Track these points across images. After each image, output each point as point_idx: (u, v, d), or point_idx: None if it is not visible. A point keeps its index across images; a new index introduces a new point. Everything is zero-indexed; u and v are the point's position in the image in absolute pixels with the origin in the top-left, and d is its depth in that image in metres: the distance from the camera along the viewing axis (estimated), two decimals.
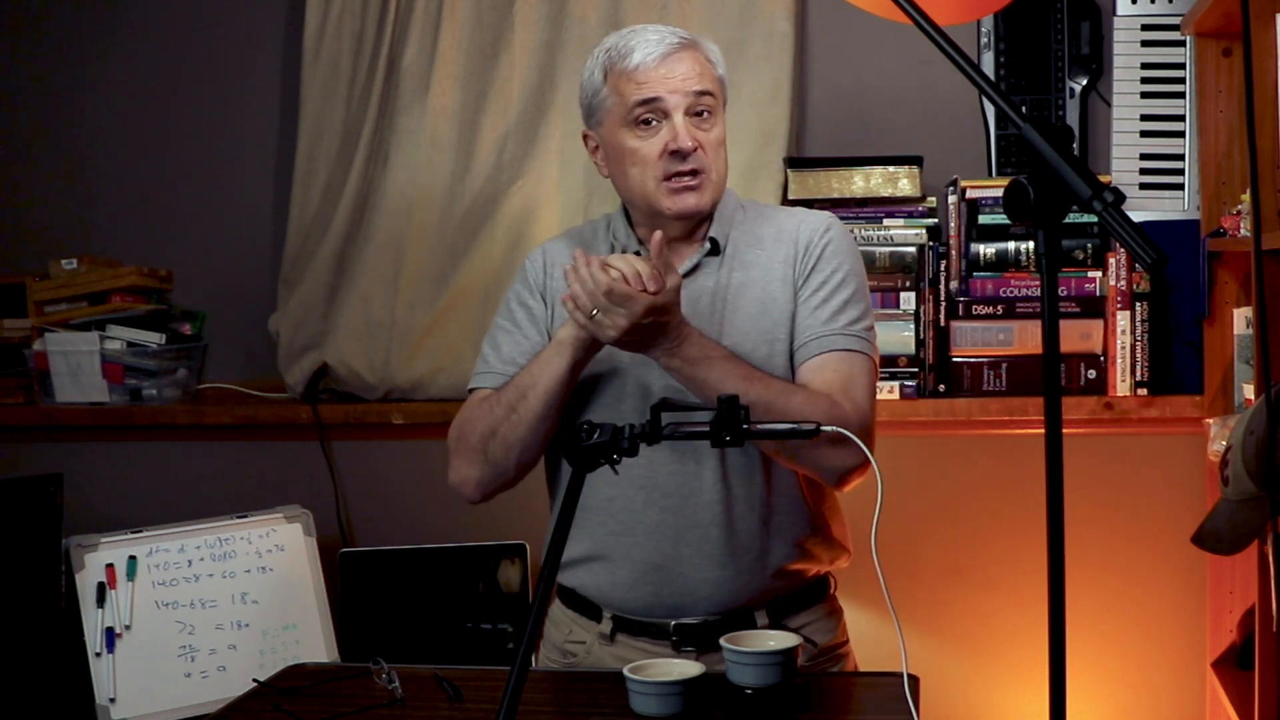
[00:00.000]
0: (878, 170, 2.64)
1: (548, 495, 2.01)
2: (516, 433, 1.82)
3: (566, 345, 1.78)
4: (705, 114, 1.84)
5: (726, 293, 1.86)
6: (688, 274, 1.87)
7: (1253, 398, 2.21)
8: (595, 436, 1.49)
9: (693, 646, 1.84)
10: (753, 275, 1.87)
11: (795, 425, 1.56)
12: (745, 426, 1.50)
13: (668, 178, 1.83)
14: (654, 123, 1.83)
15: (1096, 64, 2.72)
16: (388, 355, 2.83)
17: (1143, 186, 2.67)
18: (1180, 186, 2.66)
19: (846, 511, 1.99)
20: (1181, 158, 2.66)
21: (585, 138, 1.94)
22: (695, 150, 1.82)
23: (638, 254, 1.89)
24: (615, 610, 1.90)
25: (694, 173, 1.83)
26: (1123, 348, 2.55)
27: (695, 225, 1.90)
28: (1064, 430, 1.20)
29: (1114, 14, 2.68)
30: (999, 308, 2.59)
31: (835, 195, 2.64)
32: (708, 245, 1.89)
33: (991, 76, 2.72)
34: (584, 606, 1.93)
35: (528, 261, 2.00)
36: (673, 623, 1.85)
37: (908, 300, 2.59)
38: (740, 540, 1.84)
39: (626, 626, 1.89)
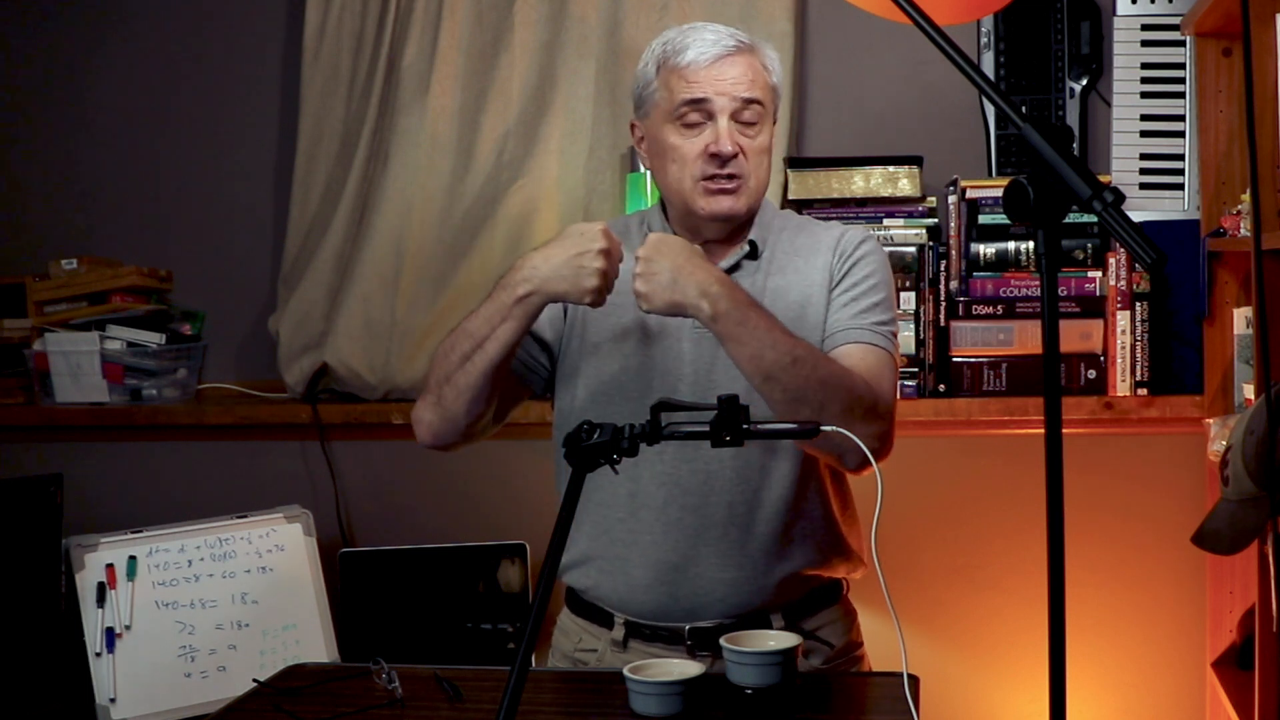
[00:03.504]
0: (878, 170, 2.64)
1: (551, 494, 2.00)
2: (468, 379, 1.80)
3: (523, 310, 1.76)
4: (752, 121, 1.83)
5: (764, 295, 1.86)
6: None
7: (1253, 398, 2.21)
8: (595, 436, 1.48)
9: (708, 651, 1.81)
10: (791, 280, 1.87)
11: (797, 425, 1.56)
12: (745, 426, 1.50)
13: (705, 179, 1.82)
14: (699, 123, 1.82)
15: (1096, 64, 2.72)
16: (388, 355, 2.83)
17: (1143, 186, 2.67)
18: (1180, 186, 2.66)
19: None
20: (1181, 158, 2.66)
21: (632, 127, 1.94)
22: (736, 156, 1.81)
23: None
24: (629, 615, 1.88)
25: (731, 177, 1.82)
26: (1123, 348, 2.55)
27: (735, 230, 1.90)
28: (1064, 430, 1.20)
29: (1114, 14, 2.68)
30: (999, 308, 2.59)
31: (835, 195, 2.64)
32: (746, 247, 1.88)
33: (991, 76, 2.72)
34: (594, 613, 1.92)
35: None
36: (688, 626, 1.84)
37: (908, 300, 2.59)
38: (758, 542, 1.83)
39: (639, 632, 1.87)
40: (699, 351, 1.83)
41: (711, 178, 1.82)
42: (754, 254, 1.89)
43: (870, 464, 1.76)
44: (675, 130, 1.83)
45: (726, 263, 1.88)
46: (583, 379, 1.89)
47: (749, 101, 1.82)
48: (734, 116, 1.82)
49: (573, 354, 1.91)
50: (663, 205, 1.95)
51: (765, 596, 1.85)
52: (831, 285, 1.86)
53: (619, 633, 1.88)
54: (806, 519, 1.86)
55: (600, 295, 1.74)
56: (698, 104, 1.81)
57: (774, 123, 1.90)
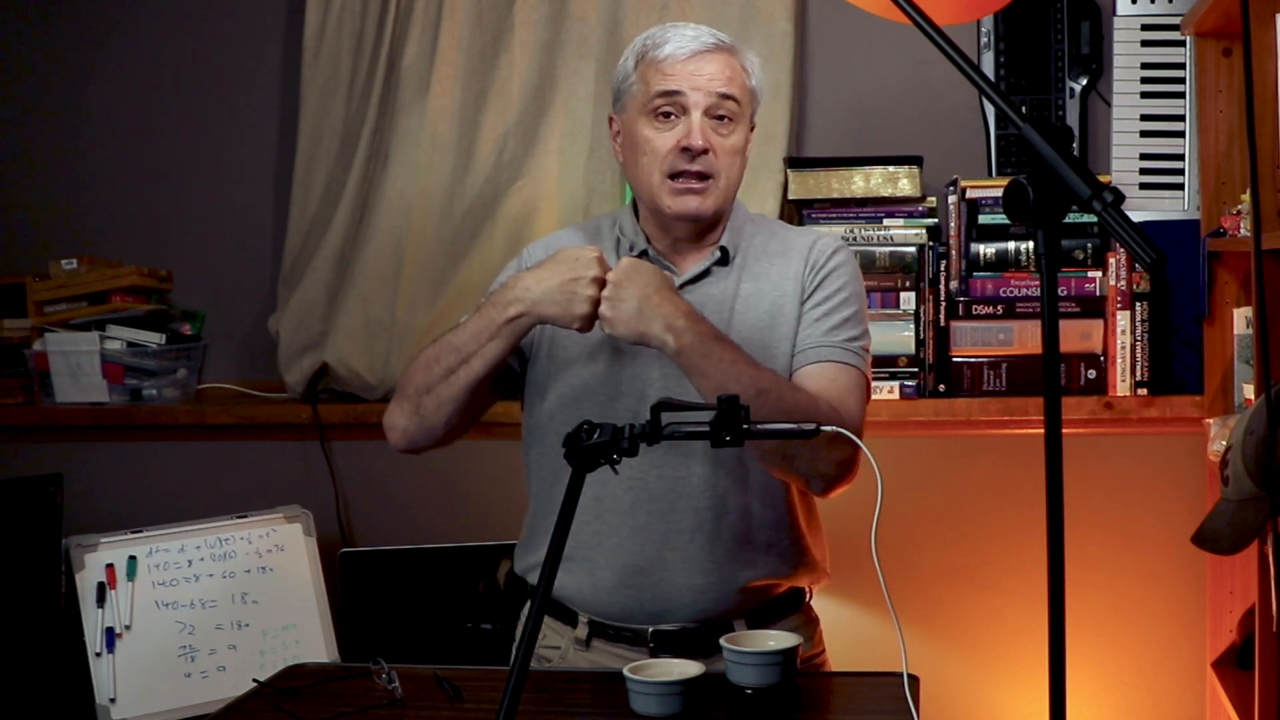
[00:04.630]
0: (878, 170, 2.64)
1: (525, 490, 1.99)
2: (451, 392, 1.81)
3: (512, 330, 1.77)
4: (726, 119, 1.83)
5: (735, 302, 1.86)
6: (695, 280, 1.87)
7: (1253, 398, 2.21)
8: (595, 436, 1.48)
9: (669, 653, 1.81)
10: (762, 286, 1.87)
11: (797, 425, 1.56)
12: (745, 426, 1.50)
13: (674, 175, 1.82)
14: (672, 116, 1.82)
15: (1096, 64, 2.72)
16: (388, 355, 2.83)
17: (1143, 186, 2.67)
18: (1180, 186, 2.66)
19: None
20: (1181, 158, 2.66)
21: (610, 121, 1.94)
22: (705, 153, 1.80)
23: (644, 253, 1.89)
24: (593, 614, 1.88)
25: (700, 176, 1.82)
26: (1123, 348, 2.55)
27: (704, 231, 1.89)
28: (1064, 430, 1.20)
29: (1114, 14, 2.68)
30: (999, 308, 2.59)
31: (835, 195, 2.64)
32: (718, 253, 1.88)
33: (991, 76, 2.72)
34: (559, 610, 1.91)
35: (527, 251, 2.00)
36: (650, 629, 1.84)
37: (908, 300, 2.59)
38: (725, 548, 1.83)
39: (603, 632, 1.87)
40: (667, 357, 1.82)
41: (680, 174, 1.81)
42: (725, 260, 1.88)
43: (835, 489, 1.81)
44: (648, 123, 1.83)
45: (697, 269, 1.88)
46: (552, 384, 1.89)
47: (724, 98, 1.81)
48: (708, 113, 1.81)
49: (543, 359, 1.91)
50: (634, 205, 1.95)
51: (729, 603, 1.85)
52: (803, 297, 1.86)
53: (582, 632, 1.89)
54: (772, 528, 1.86)
55: (590, 322, 1.74)
56: (671, 96, 1.81)
57: (751, 127, 1.89)
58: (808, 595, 1.97)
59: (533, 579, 1.94)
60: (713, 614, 1.84)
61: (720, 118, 1.82)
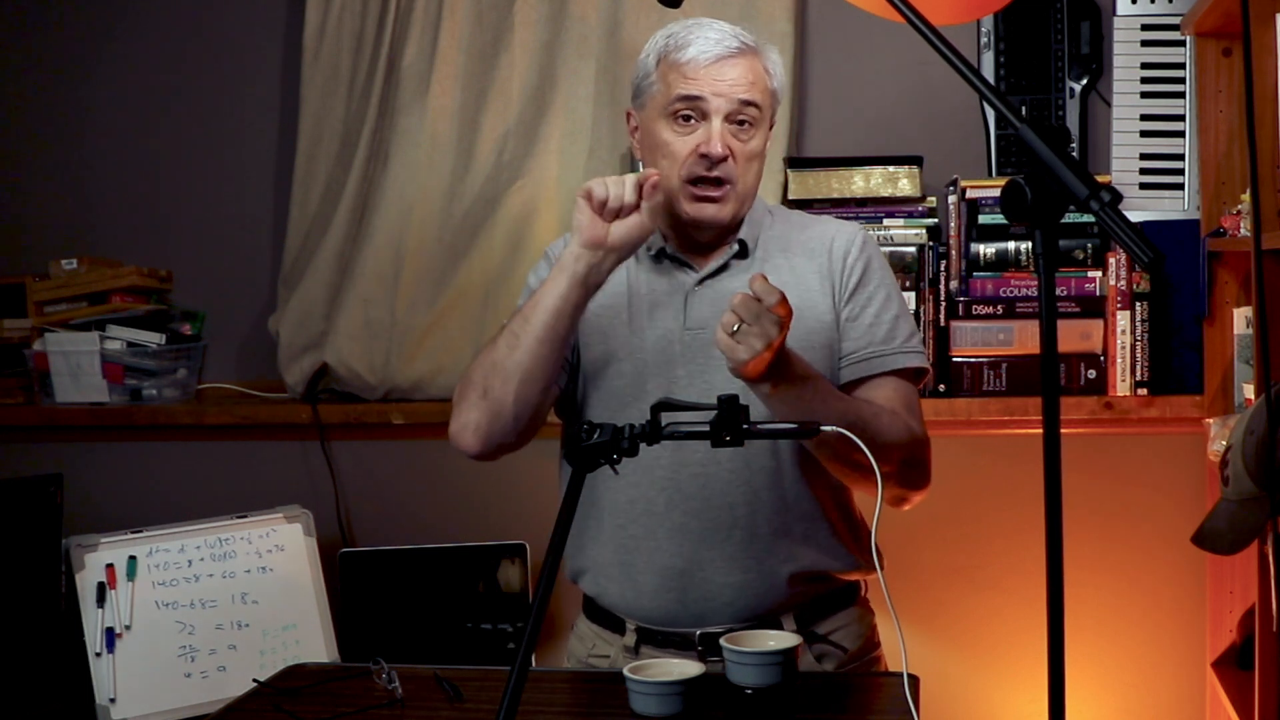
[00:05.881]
0: (878, 170, 2.64)
1: (551, 494, 1.99)
2: (515, 358, 1.74)
3: (567, 265, 1.73)
4: (746, 124, 1.82)
5: None
6: (714, 274, 1.87)
7: (1253, 398, 2.21)
8: (595, 436, 1.48)
9: (719, 656, 1.77)
10: (785, 281, 1.84)
11: (796, 425, 1.56)
12: (745, 426, 1.50)
13: (693, 180, 1.81)
14: (692, 120, 1.81)
15: (1096, 64, 2.72)
16: (388, 355, 2.83)
17: (1143, 186, 2.67)
18: (1180, 186, 2.66)
19: None
20: (1181, 158, 2.66)
21: (628, 116, 1.92)
22: (725, 159, 1.80)
23: (662, 250, 1.87)
24: (639, 621, 1.87)
25: (719, 182, 1.80)
26: (1123, 348, 2.55)
27: (723, 230, 1.88)
28: (1064, 430, 1.20)
29: (1114, 14, 2.68)
30: (999, 308, 2.59)
31: (835, 195, 2.64)
32: (736, 247, 1.87)
33: (991, 77, 2.72)
34: (607, 619, 1.91)
35: (550, 249, 1.99)
36: (698, 632, 1.83)
37: (908, 300, 2.58)
38: (762, 543, 1.82)
39: (651, 638, 1.87)
40: (691, 353, 1.82)
41: (699, 180, 1.81)
42: (744, 253, 1.88)
43: (909, 501, 1.87)
44: (668, 126, 1.82)
45: (716, 263, 1.87)
46: (582, 394, 1.89)
47: (745, 104, 1.80)
48: (728, 118, 1.80)
49: (572, 368, 1.90)
50: None
51: (773, 599, 1.84)
52: (838, 297, 1.86)
53: (630, 639, 1.88)
54: (808, 519, 1.85)
55: (591, 226, 1.72)
56: (693, 101, 1.80)
57: (770, 127, 1.88)
58: (863, 589, 1.96)
59: (580, 585, 1.95)
60: (758, 611, 1.83)
61: (740, 122, 1.81)
